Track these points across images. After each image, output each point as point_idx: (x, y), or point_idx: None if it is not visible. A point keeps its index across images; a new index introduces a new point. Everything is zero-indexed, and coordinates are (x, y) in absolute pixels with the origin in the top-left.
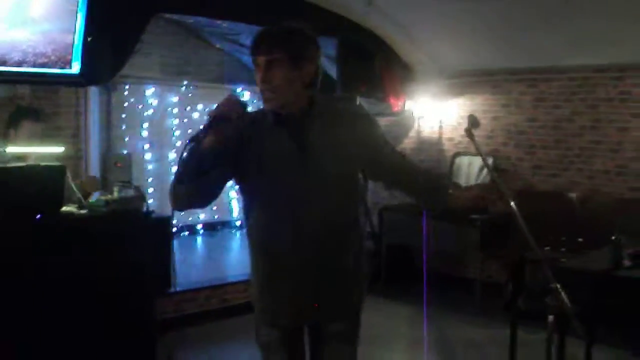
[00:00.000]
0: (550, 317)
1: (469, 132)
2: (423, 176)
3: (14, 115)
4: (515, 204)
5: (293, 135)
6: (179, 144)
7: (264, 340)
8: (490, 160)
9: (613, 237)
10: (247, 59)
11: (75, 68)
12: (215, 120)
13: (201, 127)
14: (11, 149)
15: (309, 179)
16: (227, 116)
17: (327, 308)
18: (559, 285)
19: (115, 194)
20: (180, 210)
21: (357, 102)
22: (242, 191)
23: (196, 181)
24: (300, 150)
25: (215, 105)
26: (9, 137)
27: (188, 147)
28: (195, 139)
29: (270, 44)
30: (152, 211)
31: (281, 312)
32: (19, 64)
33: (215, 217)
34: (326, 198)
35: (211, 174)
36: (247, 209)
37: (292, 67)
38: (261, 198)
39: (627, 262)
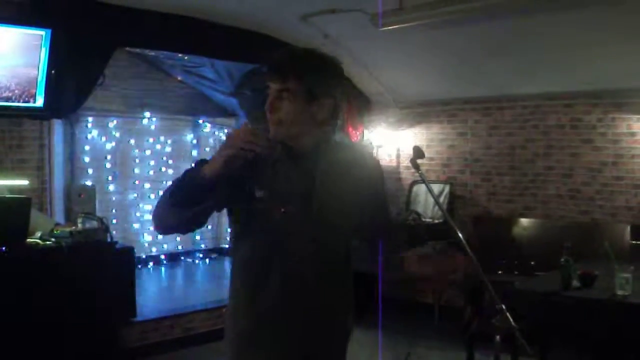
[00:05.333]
0: (497, 337)
1: (414, 163)
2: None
3: None
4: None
5: (301, 172)
6: (142, 175)
7: None
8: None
9: (562, 260)
10: (209, 91)
11: (39, 102)
12: (234, 155)
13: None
14: None
15: (309, 218)
16: (250, 150)
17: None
18: (504, 307)
19: (79, 225)
20: (164, 233)
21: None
22: (234, 222)
23: (189, 209)
24: (306, 190)
25: (228, 136)
26: None
27: (189, 172)
28: (200, 164)
29: (286, 71)
30: (116, 242)
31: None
32: None
33: (179, 247)
34: (324, 238)
35: (205, 204)
36: (236, 241)
37: (305, 100)
38: (254, 234)
39: (576, 283)
